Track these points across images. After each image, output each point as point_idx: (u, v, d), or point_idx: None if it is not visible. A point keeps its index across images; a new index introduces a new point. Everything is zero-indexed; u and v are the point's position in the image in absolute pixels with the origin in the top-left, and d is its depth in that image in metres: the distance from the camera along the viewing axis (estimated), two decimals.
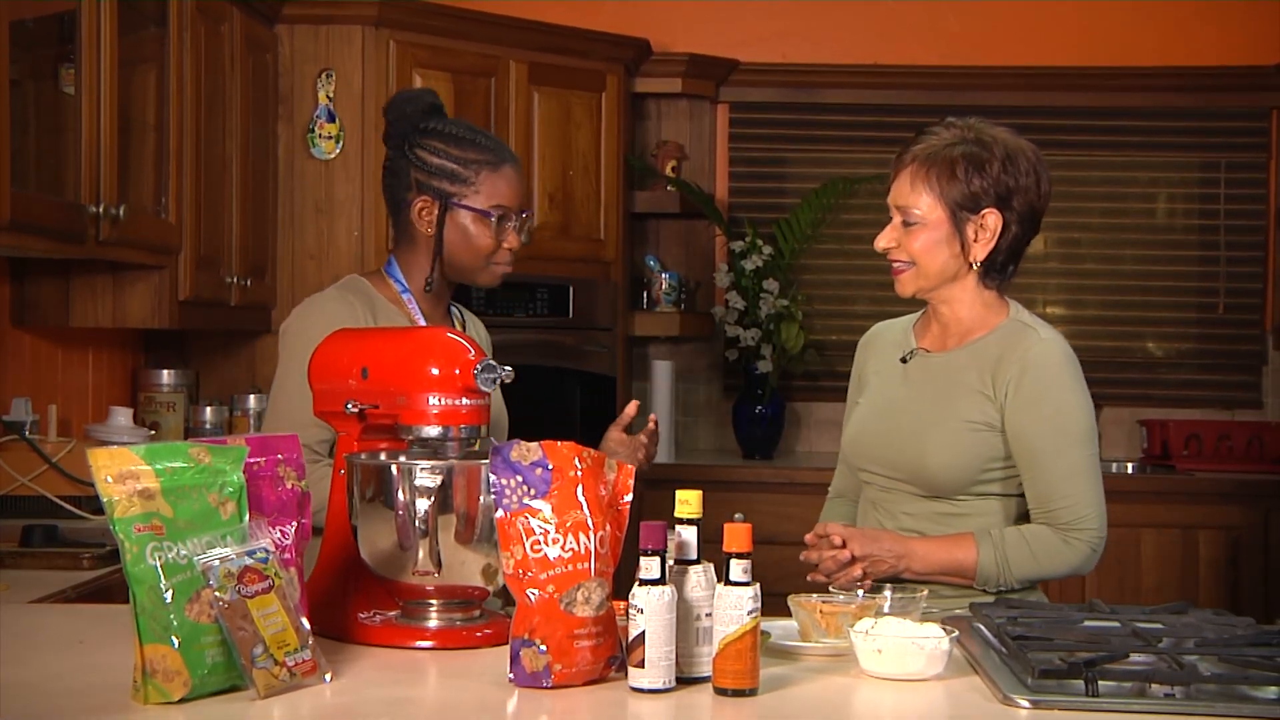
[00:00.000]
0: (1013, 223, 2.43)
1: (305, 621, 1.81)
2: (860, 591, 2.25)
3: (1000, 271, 2.48)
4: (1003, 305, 2.51)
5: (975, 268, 2.45)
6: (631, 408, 2.75)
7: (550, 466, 1.85)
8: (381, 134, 2.70)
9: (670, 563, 1.85)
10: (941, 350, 2.50)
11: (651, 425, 2.76)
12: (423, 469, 2.02)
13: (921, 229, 2.43)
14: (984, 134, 2.44)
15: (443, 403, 2.06)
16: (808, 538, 2.40)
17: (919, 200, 2.43)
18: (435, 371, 2.06)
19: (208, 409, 4.25)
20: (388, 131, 2.65)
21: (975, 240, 2.43)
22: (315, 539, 2.04)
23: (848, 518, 2.61)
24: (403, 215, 2.63)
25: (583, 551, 1.83)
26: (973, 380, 2.43)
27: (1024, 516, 2.45)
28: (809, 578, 2.40)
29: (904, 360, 2.53)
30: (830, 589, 2.33)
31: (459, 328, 2.71)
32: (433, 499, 2.01)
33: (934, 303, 2.51)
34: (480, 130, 2.67)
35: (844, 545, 2.34)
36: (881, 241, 2.48)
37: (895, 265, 2.48)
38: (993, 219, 2.42)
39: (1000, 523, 2.44)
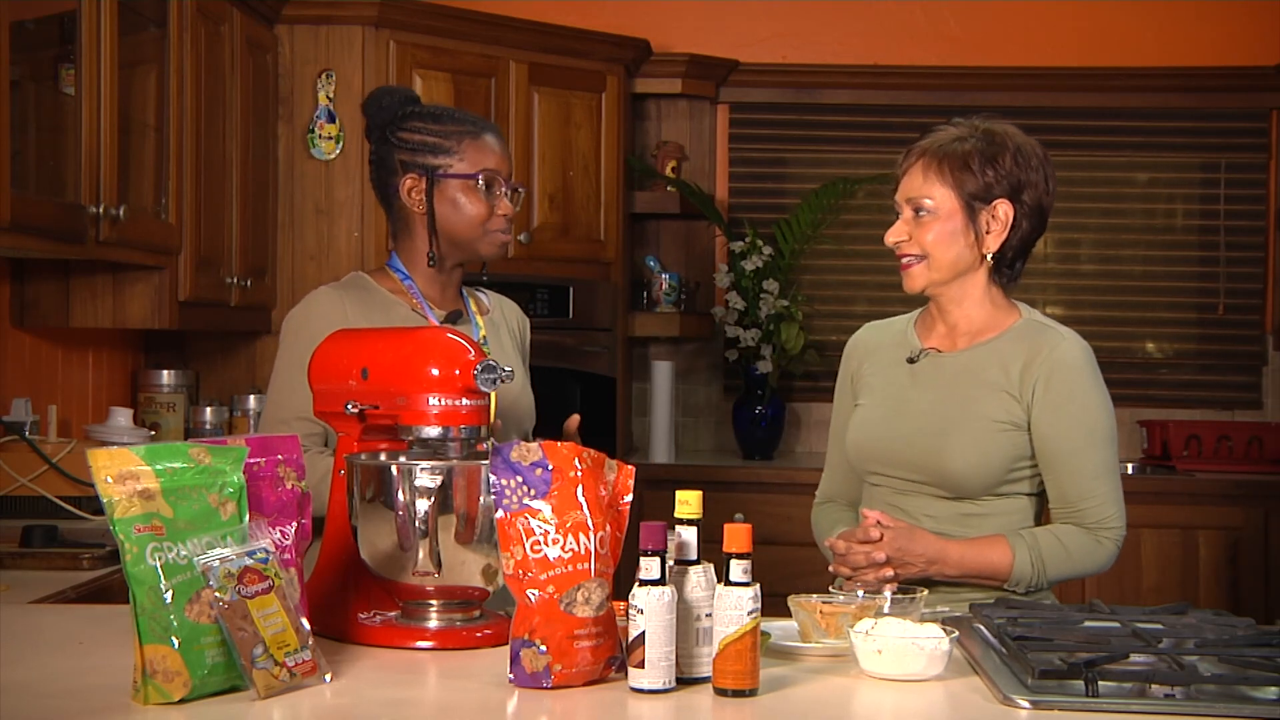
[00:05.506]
0: (1023, 217, 2.42)
1: (305, 622, 1.81)
2: (860, 592, 2.25)
3: (1010, 268, 2.47)
4: (1012, 306, 2.50)
5: (988, 260, 2.44)
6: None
7: (550, 467, 1.85)
8: (363, 130, 2.70)
9: (670, 563, 1.85)
10: (952, 350, 2.48)
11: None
12: (423, 469, 2.02)
13: (934, 220, 2.42)
14: (994, 129, 2.45)
15: (443, 403, 2.06)
16: (856, 533, 2.35)
17: (932, 191, 2.42)
18: (435, 372, 2.06)
19: (208, 409, 4.25)
20: (368, 126, 2.67)
21: (988, 231, 2.42)
22: (315, 540, 2.04)
23: (847, 522, 2.55)
24: (395, 202, 2.63)
25: (583, 552, 1.83)
26: (996, 379, 2.42)
27: (1042, 515, 2.45)
28: (831, 568, 2.38)
29: (912, 361, 2.51)
30: (830, 588, 2.33)
31: (473, 308, 2.71)
32: (433, 499, 2.01)
33: (943, 302, 2.49)
34: (459, 109, 2.71)
35: (880, 540, 2.31)
36: (891, 236, 2.46)
37: (905, 260, 2.45)
38: (1005, 209, 2.41)
39: (1023, 522, 2.43)
